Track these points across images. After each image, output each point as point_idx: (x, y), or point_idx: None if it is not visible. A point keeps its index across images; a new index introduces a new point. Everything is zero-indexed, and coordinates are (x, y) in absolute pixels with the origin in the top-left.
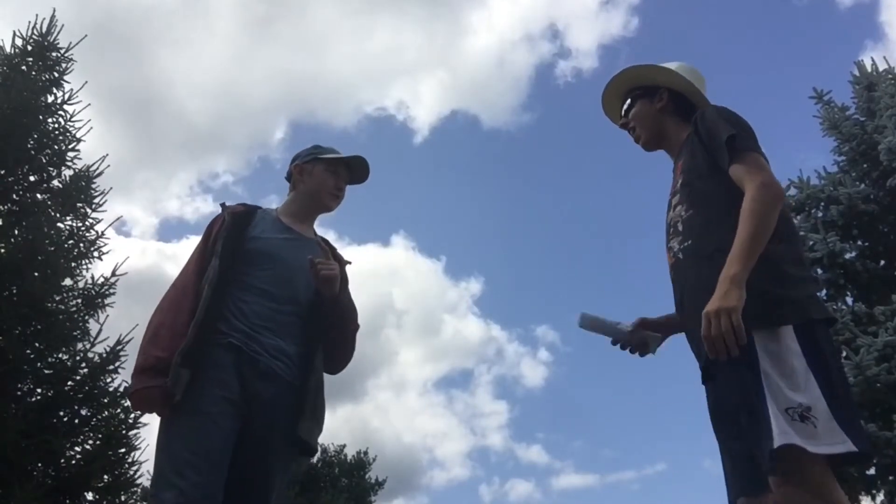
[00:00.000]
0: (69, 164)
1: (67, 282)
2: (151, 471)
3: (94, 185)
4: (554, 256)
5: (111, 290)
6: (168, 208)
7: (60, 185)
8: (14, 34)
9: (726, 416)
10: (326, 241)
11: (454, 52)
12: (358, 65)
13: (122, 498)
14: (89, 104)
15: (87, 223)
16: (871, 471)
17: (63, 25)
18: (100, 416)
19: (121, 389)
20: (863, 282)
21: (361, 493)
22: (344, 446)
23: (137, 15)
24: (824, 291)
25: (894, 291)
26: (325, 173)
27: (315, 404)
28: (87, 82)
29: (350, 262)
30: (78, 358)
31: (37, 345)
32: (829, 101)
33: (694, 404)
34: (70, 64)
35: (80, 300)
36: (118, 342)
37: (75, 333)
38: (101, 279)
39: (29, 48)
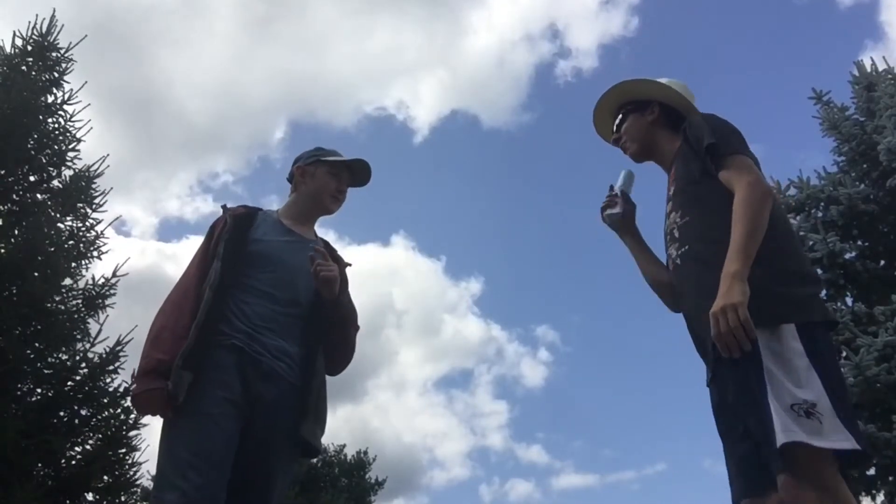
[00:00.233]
0: (69, 164)
1: (67, 282)
2: (152, 471)
3: (94, 185)
4: (554, 256)
5: (111, 291)
6: (168, 208)
7: (60, 186)
8: (14, 34)
9: (730, 417)
10: (327, 243)
11: (454, 52)
12: (358, 65)
13: (122, 498)
14: (89, 104)
15: (87, 223)
16: (871, 471)
17: (63, 25)
18: (100, 417)
19: (121, 389)
20: (863, 282)
21: (361, 493)
22: (344, 446)
23: (137, 15)
24: (824, 292)
25: (894, 291)
26: (327, 176)
27: (317, 405)
28: (86, 82)
29: (350, 264)
30: (78, 358)
31: (37, 345)
32: (829, 102)
33: (694, 404)
34: (70, 64)
35: (80, 300)
36: (118, 342)
37: (75, 333)
38: (101, 279)
39: (29, 48)
